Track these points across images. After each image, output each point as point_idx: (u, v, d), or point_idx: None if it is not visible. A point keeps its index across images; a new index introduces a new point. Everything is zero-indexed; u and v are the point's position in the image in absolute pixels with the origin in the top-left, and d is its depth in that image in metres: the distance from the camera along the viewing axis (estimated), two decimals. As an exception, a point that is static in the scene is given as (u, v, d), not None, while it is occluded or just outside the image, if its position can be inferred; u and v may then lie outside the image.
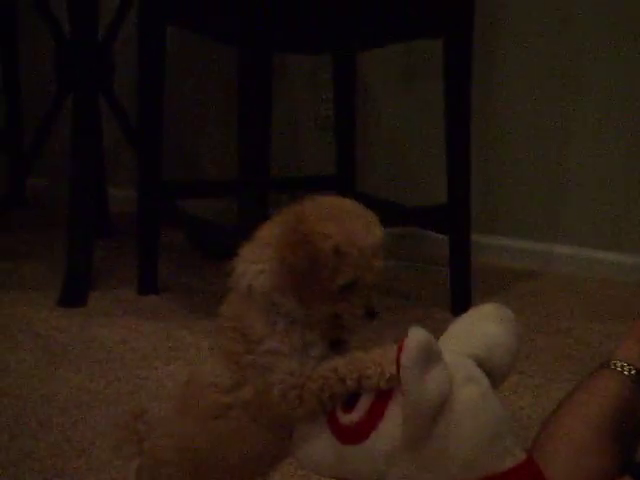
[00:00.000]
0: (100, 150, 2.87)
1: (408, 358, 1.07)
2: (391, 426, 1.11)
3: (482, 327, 1.18)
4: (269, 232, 1.17)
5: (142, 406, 1.36)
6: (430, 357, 1.08)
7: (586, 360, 2.15)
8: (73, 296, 2.48)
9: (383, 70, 2.90)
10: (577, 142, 2.75)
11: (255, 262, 1.16)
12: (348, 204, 1.17)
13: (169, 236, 2.72)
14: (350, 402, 1.14)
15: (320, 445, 1.15)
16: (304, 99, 3.00)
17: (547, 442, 1.40)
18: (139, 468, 1.29)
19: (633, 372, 1.45)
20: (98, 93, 2.69)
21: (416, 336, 1.08)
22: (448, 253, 2.48)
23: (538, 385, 2.05)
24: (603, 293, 2.62)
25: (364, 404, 1.12)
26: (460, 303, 2.44)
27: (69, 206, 2.58)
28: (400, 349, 1.08)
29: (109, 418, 1.88)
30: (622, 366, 1.46)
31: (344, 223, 1.14)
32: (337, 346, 1.17)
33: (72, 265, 2.53)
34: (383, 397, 1.12)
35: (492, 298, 2.52)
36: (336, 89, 2.77)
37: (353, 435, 1.12)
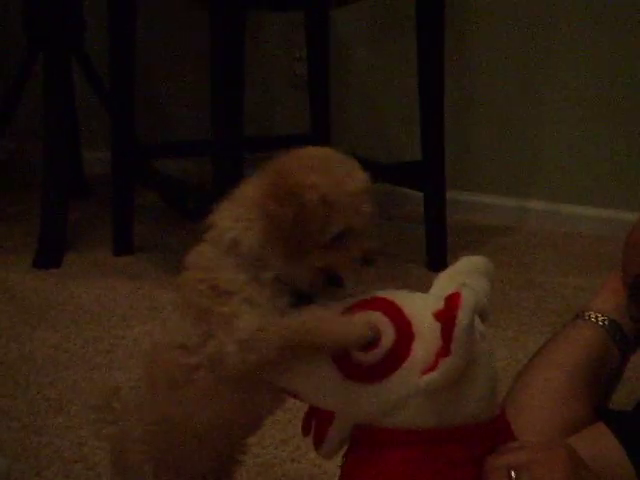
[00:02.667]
0: (73, 111, 2.85)
1: (467, 318, 1.06)
2: (411, 371, 1.09)
3: (480, 282, 1.17)
4: (252, 190, 1.14)
5: (114, 384, 1.34)
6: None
7: (560, 313, 2.17)
8: (48, 258, 2.48)
9: (356, 27, 2.89)
10: (550, 97, 2.76)
11: (239, 219, 1.13)
12: (327, 152, 1.15)
13: (144, 197, 2.72)
14: None
15: (322, 379, 1.11)
16: (278, 58, 2.99)
17: (522, 391, 1.42)
18: (113, 450, 1.26)
19: (607, 322, 1.47)
20: (69, 52, 2.67)
21: (471, 296, 1.07)
22: (423, 210, 2.49)
23: (513, 338, 2.07)
24: (576, 247, 2.64)
25: (386, 345, 1.09)
26: (436, 259, 2.45)
27: (42, 167, 2.57)
28: (453, 305, 1.07)
29: (86, 377, 1.89)
30: (596, 317, 1.48)
31: (327, 172, 1.11)
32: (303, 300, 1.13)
33: (47, 227, 2.52)
34: (405, 339, 1.10)
35: (467, 254, 2.53)
36: (309, 47, 2.77)
37: (365, 374, 1.10)
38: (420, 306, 1.13)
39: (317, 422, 1.17)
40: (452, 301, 1.09)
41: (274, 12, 2.81)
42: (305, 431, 1.19)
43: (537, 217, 2.79)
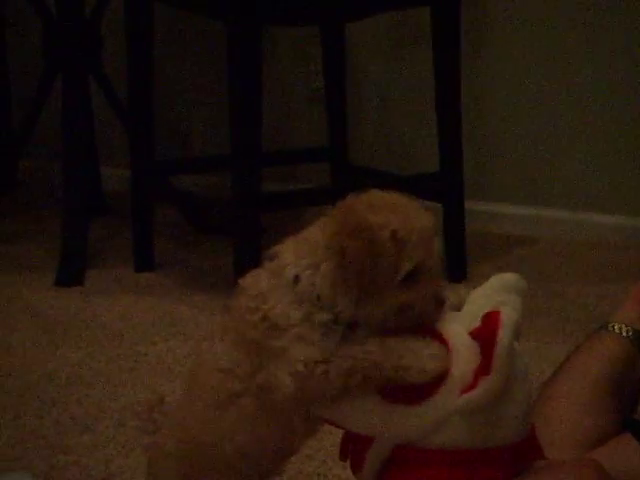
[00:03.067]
0: (91, 129, 2.87)
1: (508, 337, 1.07)
2: (450, 391, 1.09)
3: (515, 301, 1.17)
4: (319, 231, 1.14)
5: (160, 394, 1.34)
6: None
7: (582, 322, 2.16)
8: (70, 276, 2.49)
9: (372, 40, 2.89)
10: (567, 106, 2.76)
11: (303, 257, 1.13)
12: (393, 195, 1.15)
13: (163, 213, 2.73)
14: None
15: (362, 404, 1.11)
16: (294, 72, 3.00)
17: (547, 403, 1.42)
18: (149, 460, 1.26)
19: (631, 333, 1.47)
20: (87, 71, 2.68)
21: (514, 315, 1.08)
22: (442, 221, 2.49)
23: (535, 348, 2.06)
24: (596, 256, 2.64)
25: None
26: (455, 270, 2.44)
27: (62, 186, 2.59)
28: (493, 323, 1.07)
29: (110, 395, 1.90)
30: (620, 328, 1.48)
31: (395, 211, 1.11)
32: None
33: (67, 245, 2.53)
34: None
35: (487, 264, 2.54)
36: (326, 61, 2.77)
37: (406, 396, 1.09)
38: (456, 324, 1.13)
39: (355, 447, 1.16)
40: (491, 319, 1.08)
41: (290, 26, 2.82)
42: (343, 456, 1.19)
43: (557, 226, 2.79)
